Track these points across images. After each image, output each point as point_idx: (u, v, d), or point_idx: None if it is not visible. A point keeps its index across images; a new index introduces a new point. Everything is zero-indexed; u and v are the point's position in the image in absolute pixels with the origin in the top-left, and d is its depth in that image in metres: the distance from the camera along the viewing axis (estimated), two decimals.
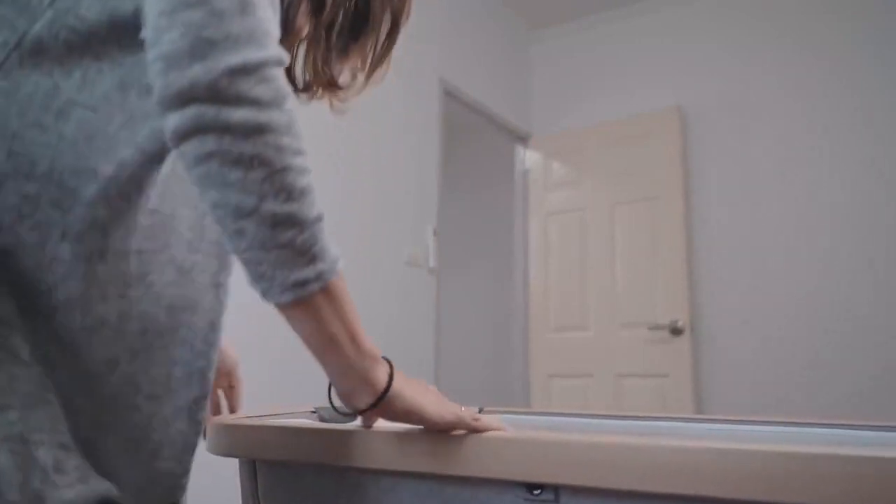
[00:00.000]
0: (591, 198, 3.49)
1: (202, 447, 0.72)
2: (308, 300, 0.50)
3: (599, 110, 3.63)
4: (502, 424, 0.65)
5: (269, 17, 0.48)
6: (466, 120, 3.74)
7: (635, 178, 3.36)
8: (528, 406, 3.51)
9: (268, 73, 0.46)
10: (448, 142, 3.36)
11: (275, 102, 0.46)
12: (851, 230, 2.86)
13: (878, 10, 2.91)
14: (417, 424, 0.61)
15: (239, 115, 0.45)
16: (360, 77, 0.76)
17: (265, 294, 0.50)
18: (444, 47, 3.21)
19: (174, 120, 0.45)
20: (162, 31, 0.44)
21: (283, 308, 0.51)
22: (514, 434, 0.61)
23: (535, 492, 0.60)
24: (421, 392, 0.60)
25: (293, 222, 0.48)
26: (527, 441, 0.59)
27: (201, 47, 0.43)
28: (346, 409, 1.01)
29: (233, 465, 0.83)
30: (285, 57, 0.48)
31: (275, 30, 0.49)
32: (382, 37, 0.71)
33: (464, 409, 0.63)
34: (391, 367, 0.59)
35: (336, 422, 1.06)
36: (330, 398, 0.65)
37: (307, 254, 0.49)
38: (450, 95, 3.23)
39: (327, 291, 0.51)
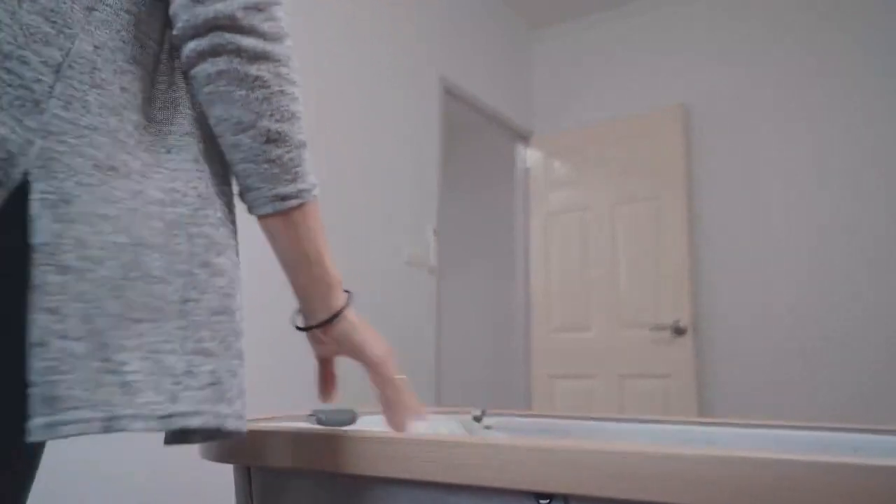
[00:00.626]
0: (592, 197, 3.47)
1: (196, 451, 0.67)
2: (286, 214, 0.58)
3: (601, 109, 3.60)
4: (412, 397, 0.70)
5: None
6: (467, 119, 3.71)
7: (637, 177, 3.33)
8: (530, 407, 3.48)
9: (274, 13, 0.55)
10: (448, 141, 3.33)
11: (278, 37, 0.56)
12: (857, 229, 2.83)
13: (882, 8, 2.88)
14: (353, 352, 0.67)
15: (248, 41, 0.54)
16: None
17: (251, 206, 0.58)
18: (444, 45, 3.18)
19: (194, 44, 0.53)
20: None
21: (263, 220, 0.59)
22: (521, 441, 0.58)
23: (544, 501, 0.57)
24: (367, 328, 0.68)
25: (282, 140, 0.56)
26: (535, 449, 0.56)
27: None
28: (341, 415, 0.98)
29: (227, 470, 0.80)
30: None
31: None
32: None
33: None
34: (350, 295, 0.67)
35: (335, 425, 1.03)
36: (295, 321, 0.69)
37: (290, 172, 0.57)
38: (450, 94, 3.20)
39: (304, 210, 0.59)
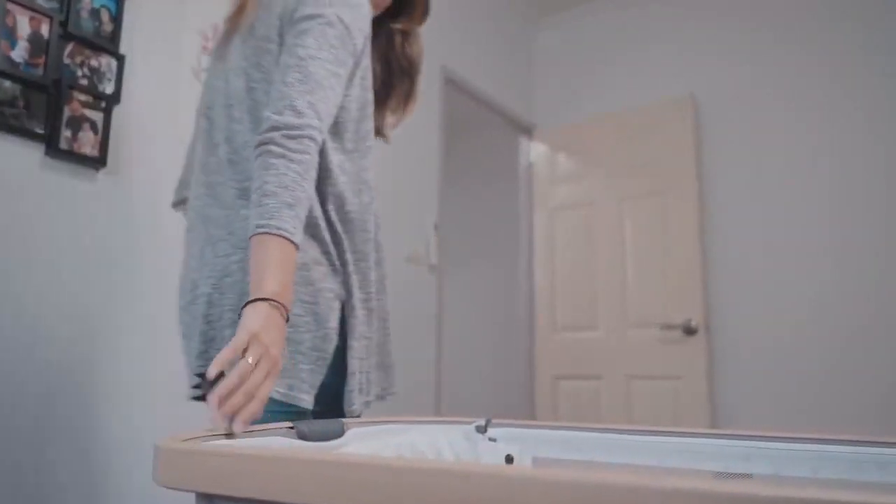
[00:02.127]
0: (598, 192, 3.35)
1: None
2: (254, 238, 0.85)
3: (607, 100, 3.48)
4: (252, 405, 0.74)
5: (327, 96, 0.95)
6: (468, 111, 3.59)
7: (646, 170, 3.21)
8: (534, 409, 3.37)
9: (300, 134, 0.90)
10: (449, 133, 3.21)
11: (297, 151, 0.89)
12: (873, 223, 2.70)
13: None
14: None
15: (276, 148, 0.88)
16: (400, 114, 1.39)
17: (251, 229, 0.86)
18: (445, 34, 3.06)
19: (259, 136, 0.90)
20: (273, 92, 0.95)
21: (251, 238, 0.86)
22: (541, 473, 0.46)
23: None
24: (258, 326, 0.77)
25: (269, 195, 0.86)
26: (556, 483, 0.44)
27: (278, 108, 0.91)
28: (327, 428, 0.92)
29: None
30: (317, 125, 0.92)
31: (329, 106, 0.96)
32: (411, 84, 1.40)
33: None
34: (278, 306, 0.81)
35: (319, 440, 0.91)
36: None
37: (264, 216, 0.85)
38: (451, 84, 3.08)
39: (261, 239, 0.84)
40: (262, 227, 0.83)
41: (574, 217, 3.41)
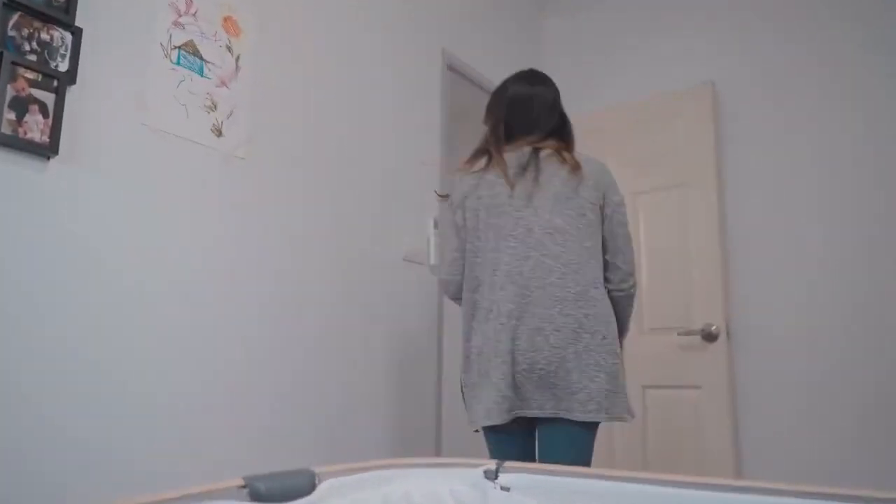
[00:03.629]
0: None
1: None
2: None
3: (621, 89, 3.26)
4: None
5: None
6: (471, 100, 3.37)
7: (662, 163, 3.00)
8: None
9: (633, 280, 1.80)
10: (451, 124, 3.00)
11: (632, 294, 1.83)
12: None
13: None
14: None
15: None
16: None
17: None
18: (445, 17, 2.84)
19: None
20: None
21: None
22: None
23: None
24: None
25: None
26: None
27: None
28: (290, 483, 0.67)
29: None
30: None
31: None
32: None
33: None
34: None
35: (281, 499, 0.70)
36: None
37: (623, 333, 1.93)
38: (453, 70, 2.87)
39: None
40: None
41: None
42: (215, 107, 1.80)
